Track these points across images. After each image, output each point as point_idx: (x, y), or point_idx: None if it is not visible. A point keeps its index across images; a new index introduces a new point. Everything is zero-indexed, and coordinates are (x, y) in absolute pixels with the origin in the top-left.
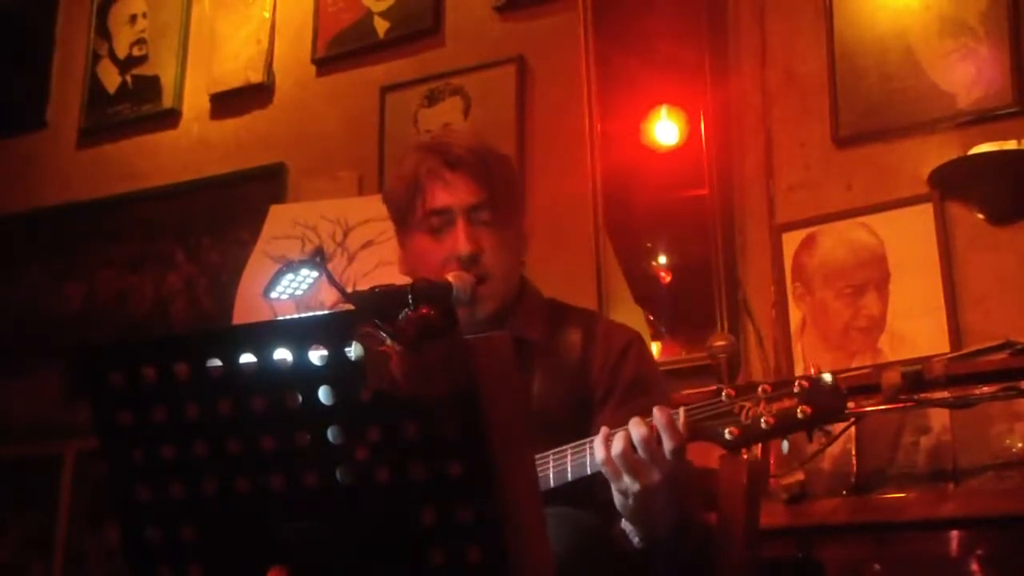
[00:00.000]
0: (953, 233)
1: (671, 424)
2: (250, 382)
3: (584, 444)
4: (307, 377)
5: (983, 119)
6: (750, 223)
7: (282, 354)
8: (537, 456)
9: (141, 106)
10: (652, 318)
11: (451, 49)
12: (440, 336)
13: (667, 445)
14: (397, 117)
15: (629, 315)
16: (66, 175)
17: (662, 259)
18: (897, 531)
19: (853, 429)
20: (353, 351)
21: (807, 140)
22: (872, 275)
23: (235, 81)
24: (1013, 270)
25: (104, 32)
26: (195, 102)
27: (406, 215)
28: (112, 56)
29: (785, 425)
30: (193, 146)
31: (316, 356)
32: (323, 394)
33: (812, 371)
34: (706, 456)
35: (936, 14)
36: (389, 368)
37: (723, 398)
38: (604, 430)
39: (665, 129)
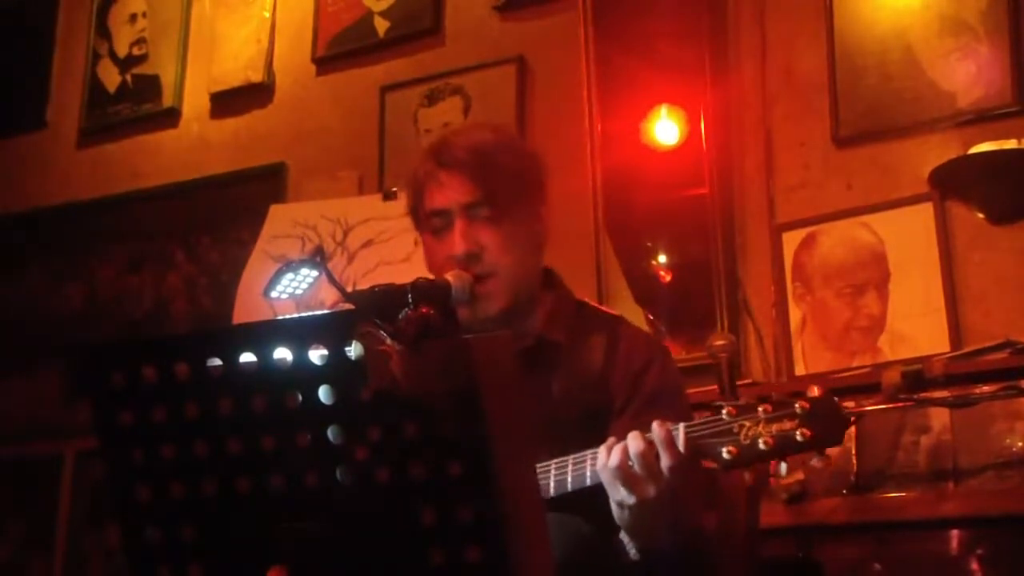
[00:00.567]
0: (953, 233)
1: (669, 440)
2: (250, 382)
3: (585, 456)
4: (307, 377)
5: (983, 119)
6: (750, 223)
7: (282, 354)
8: (539, 465)
9: (141, 105)
10: (652, 318)
11: (451, 49)
12: (440, 335)
13: (664, 461)
14: (397, 117)
15: (629, 315)
16: (66, 175)
17: (662, 259)
18: (897, 531)
19: (853, 429)
20: (353, 351)
21: (807, 140)
22: (872, 275)
23: (235, 81)
24: (1013, 270)
25: (104, 31)
26: (195, 102)
27: (415, 217)
28: (112, 55)
29: (783, 447)
30: (193, 146)
31: (316, 356)
32: (323, 394)
33: (816, 391)
34: None
35: (936, 14)
36: (389, 368)
37: (724, 416)
38: (610, 440)
39: (665, 129)
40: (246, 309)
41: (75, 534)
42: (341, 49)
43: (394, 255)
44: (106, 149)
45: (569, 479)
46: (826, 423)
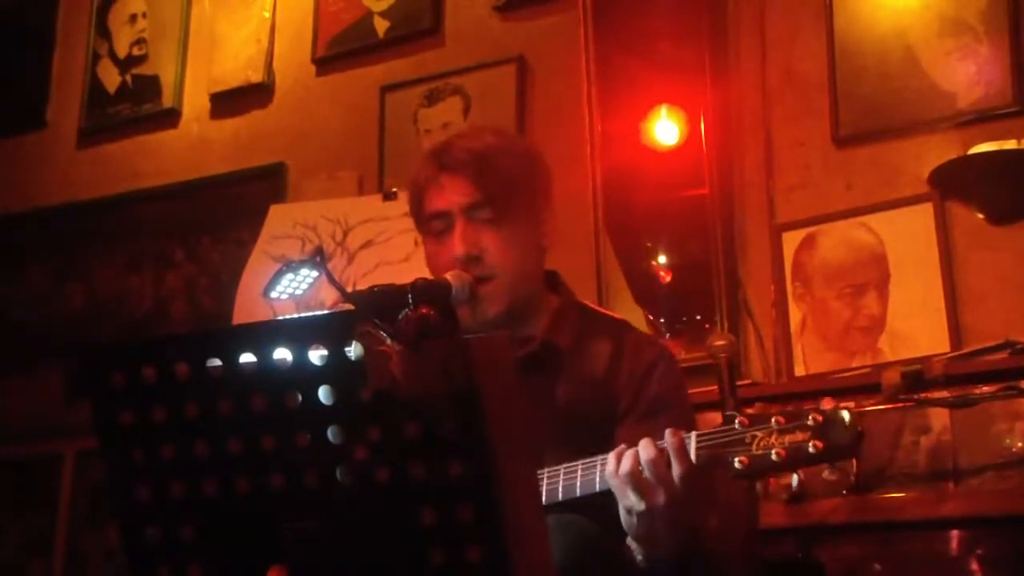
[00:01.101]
0: (953, 233)
1: (682, 449)
2: (250, 382)
3: (595, 462)
4: (307, 377)
5: (983, 119)
6: (750, 223)
7: (282, 354)
8: (547, 470)
9: (141, 106)
10: (652, 318)
11: (451, 49)
12: (440, 335)
13: (676, 470)
14: (397, 117)
15: (629, 315)
16: (66, 175)
17: (662, 259)
18: (897, 531)
19: None
20: (353, 351)
21: (807, 140)
22: (872, 275)
23: (235, 81)
24: (1013, 270)
25: (104, 32)
26: (195, 102)
27: (417, 220)
28: (112, 56)
29: (795, 459)
30: (193, 146)
31: (316, 356)
32: (323, 394)
33: (828, 404)
34: None
35: (936, 14)
36: (389, 368)
37: (736, 426)
38: (621, 447)
39: (665, 129)
40: (246, 309)
41: (75, 534)
42: (341, 49)
43: (394, 255)
44: (106, 149)
45: (578, 484)
46: (839, 436)
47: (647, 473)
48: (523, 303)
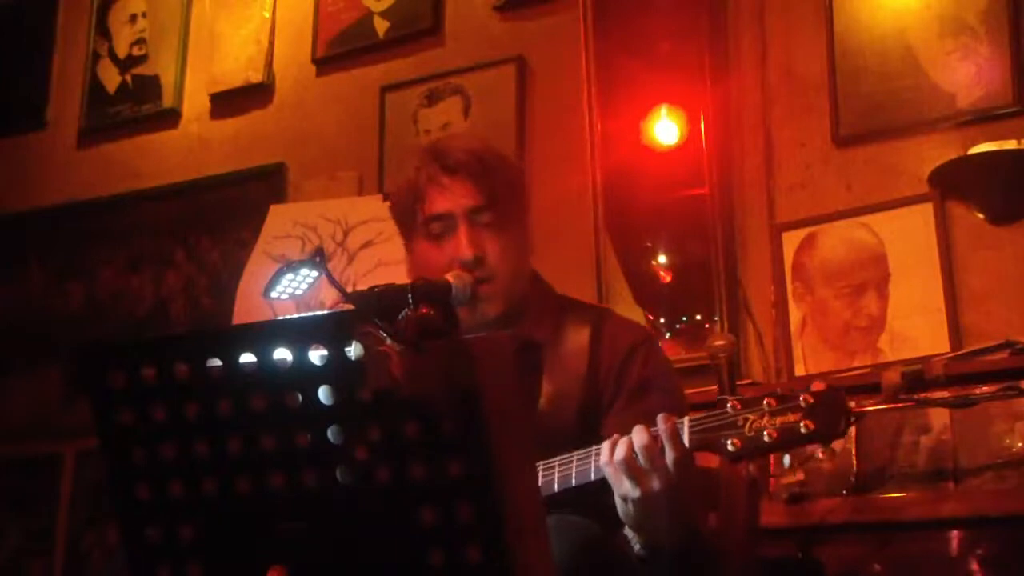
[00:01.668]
0: (953, 233)
1: (674, 434)
2: (250, 382)
3: (590, 452)
4: (307, 377)
5: (983, 119)
6: (750, 223)
7: (282, 354)
8: (543, 462)
9: (141, 106)
10: (652, 318)
11: (451, 49)
12: (440, 335)
13: (669, 455)
14: (397, 117)
15: (629, 315)
16: (66, 175)
17: (662, 259)
18: (897, 531)
19: (853, 429)
20: (353, 351)
21: (807, 140)
22: (872, 275)
23: (235, 81)
24: (1013, 270)
25: (104, 32)
26: (195, 102)
27: (409, 223)
28: (112, 56)
29: (787, 439)
30: (193, 146)
31: (316, 356)
32: (323, 394)
33: (820, 385)
34: (708, 456)
35: (936, 14)
36: (389, 368)
37: (728, 409)
38: (616, 435)
39: (665, 129)
40: (246, 309)
41: (75, 534)
42: (341, 49)
43: (394, 256)
44: (106, 149)
45: (573, 474)
46: (830, 415)
47: (641, 460)
48: (517, 305)
